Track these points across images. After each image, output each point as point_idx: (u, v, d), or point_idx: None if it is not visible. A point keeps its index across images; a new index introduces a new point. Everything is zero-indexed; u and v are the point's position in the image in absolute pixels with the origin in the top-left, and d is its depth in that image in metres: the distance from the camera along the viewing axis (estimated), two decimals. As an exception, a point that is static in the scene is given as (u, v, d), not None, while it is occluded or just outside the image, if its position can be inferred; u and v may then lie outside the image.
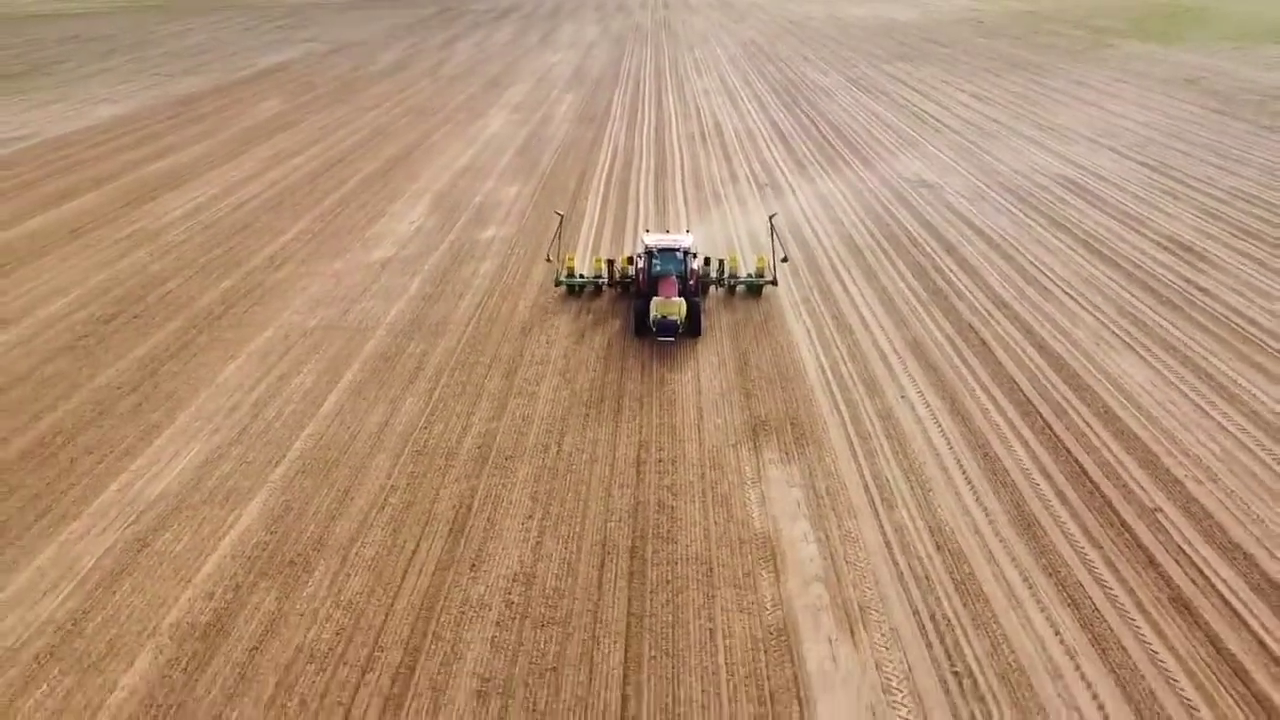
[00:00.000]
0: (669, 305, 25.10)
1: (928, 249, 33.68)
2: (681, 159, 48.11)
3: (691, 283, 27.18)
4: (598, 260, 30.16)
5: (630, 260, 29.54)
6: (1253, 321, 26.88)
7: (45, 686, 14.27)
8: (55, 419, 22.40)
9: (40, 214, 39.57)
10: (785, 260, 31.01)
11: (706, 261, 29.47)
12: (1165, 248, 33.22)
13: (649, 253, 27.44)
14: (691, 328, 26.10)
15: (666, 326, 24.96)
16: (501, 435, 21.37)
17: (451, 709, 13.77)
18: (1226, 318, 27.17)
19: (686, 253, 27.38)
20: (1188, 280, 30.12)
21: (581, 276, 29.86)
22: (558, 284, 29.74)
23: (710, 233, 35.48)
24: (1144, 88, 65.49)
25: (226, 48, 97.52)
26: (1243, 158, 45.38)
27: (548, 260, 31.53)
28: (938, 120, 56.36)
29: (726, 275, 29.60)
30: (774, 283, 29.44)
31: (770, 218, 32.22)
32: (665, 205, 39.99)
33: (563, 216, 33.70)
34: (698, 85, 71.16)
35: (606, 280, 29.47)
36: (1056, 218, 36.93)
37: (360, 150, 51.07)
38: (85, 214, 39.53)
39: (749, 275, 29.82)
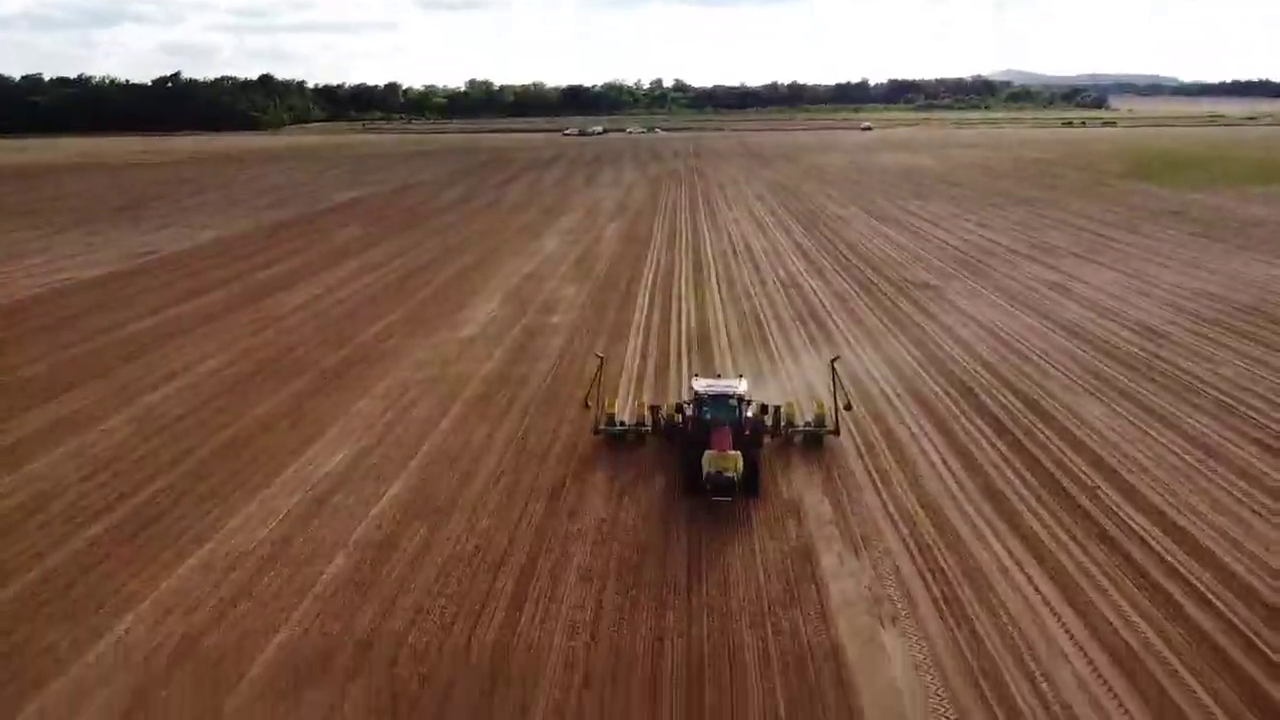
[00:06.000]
0: (725, 459, 22.29)
1: (928, 330, 39.88)
2: (716, 268, 55.40)
3: (747, 433, 24.38)
4: (640, 405, 29.28)
5: (678, 409, 27.29)
6: (1197, 378, 32.44)
7: (265, 580, 19.87)
8: (232, 432, 28.64)
9: (177, 306, 47.04)
10: (849, 408, 27.68)
11: (763, 409, 26.57)
12: (1133, 330, 39.14)
13: (699, 399, 24.80)
14: (749, 486, 23.03)
15: (722, 484, 22.16)
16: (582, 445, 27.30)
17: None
18: (1175, 375, 32.78)
19: (741, 400, 24.94)
20: (1147, 351, 35.87)
21: (623, 424, 27.56)
22: (596, 432, 27.30)
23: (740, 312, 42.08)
24: (1133, 216, 73.02)
25: (302, 188, 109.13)
26: (1213, 268, 51.78)
27: (586, 406, 28.46)
28: (944, 241, 63.72)
29: (784, 424, 26.81)
30: (835, 432, 26.74)
31: (832, 361, 28.88)
32: (704, 298, 46.85)
33: (603, 359, 30.81)
34: (728, 215, 79.80)
35: (650, 426, 27.39)
36: (1040, 310, 43.15)
37: (436, 263, 59.02)
38: (215, 305, 47.04)
39: (807, 424, 26.93)
